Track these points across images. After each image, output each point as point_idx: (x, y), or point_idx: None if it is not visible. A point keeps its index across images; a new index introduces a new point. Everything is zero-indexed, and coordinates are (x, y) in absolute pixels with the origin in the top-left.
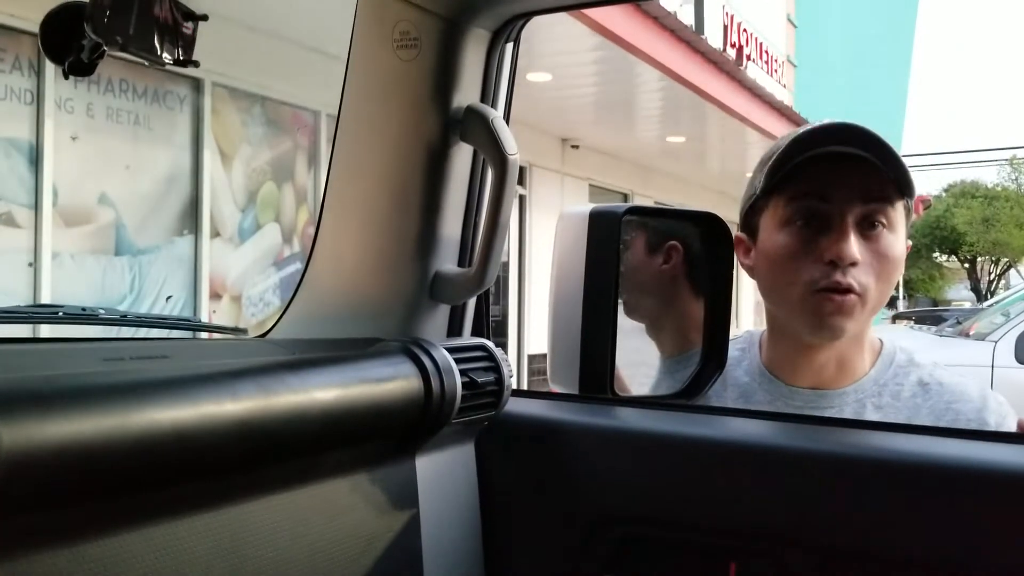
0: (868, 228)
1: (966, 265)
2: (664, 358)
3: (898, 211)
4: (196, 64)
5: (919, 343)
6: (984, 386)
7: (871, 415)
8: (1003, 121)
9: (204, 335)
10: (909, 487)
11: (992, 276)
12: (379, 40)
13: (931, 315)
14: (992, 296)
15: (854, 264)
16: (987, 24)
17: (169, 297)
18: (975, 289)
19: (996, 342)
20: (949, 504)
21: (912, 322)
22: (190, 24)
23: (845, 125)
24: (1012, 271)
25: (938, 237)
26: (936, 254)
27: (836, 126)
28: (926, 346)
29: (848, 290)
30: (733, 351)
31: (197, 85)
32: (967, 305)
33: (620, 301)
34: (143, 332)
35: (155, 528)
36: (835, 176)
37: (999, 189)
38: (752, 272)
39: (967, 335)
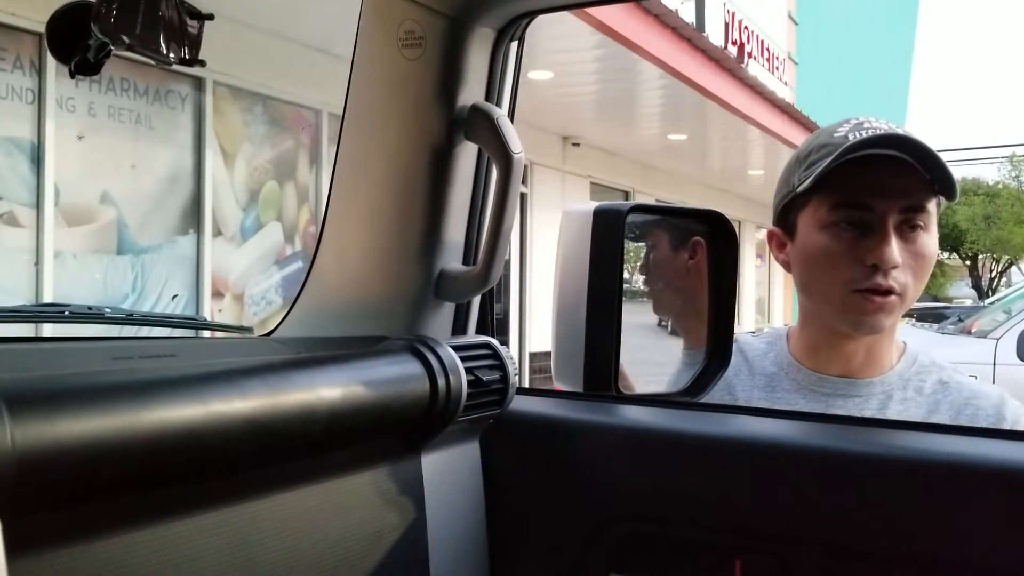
0: (907, 230)
1: (967, 262)
2: (688, 349)
3: (932, 212)
4: (203, 63)
5: (921, 340)
6: (1002, 388)
7: (896, 406)
8: (1003, 118)
9: (209, 334)
10: (915, 484)
11: (993, 274)
12: (384, 39)
13: (933, 312)
14: (993, 293)
15: (895, 267)
16: (988, 22)
17: (175, 296)
18: (976, 286)
19: (998, 339)
20: (955, 501)
21: (914, 319)
22: (196, 23)
23: (890, 135)
24: (1013, 268)
25: (940, 234)
26: (938, 251)
27: (883, 137)
28: (930, 344)
29: (889, 291)
30: (758, 345)
31: (199, 84)
32: (968, 302)
33: (646, 298)
34: (148, 331)
35: (165, 526)
36: (877, 180)
37: (1000, 187)
38: (787, 266)
39: (969, 332)
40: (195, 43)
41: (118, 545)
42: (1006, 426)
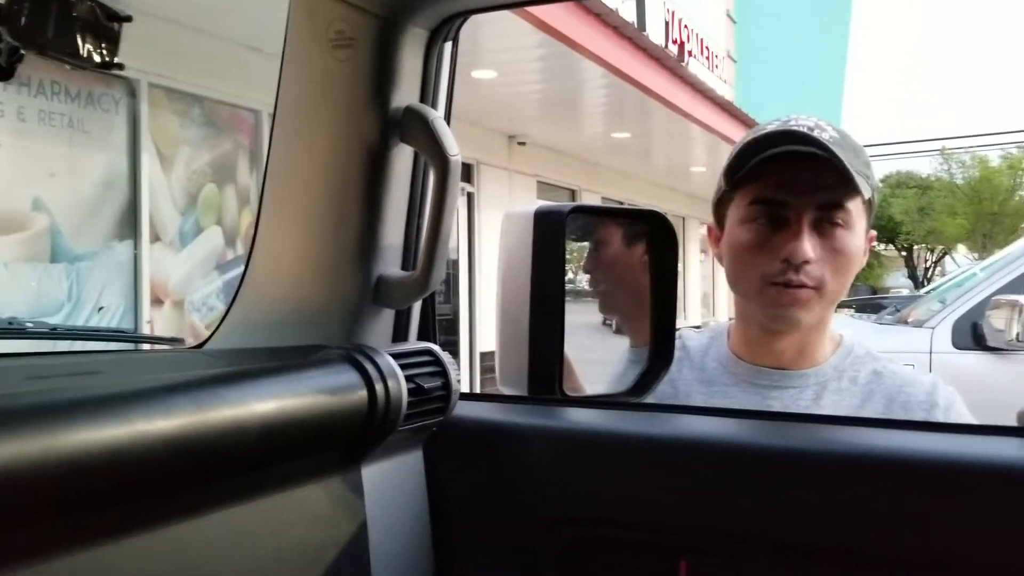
0: (826, 227)
1: (903, 253)
2: (634, 348)
3: (855, 208)
4: (120, 67)
5: (860, 331)
6: (935, 376)
7: (830, 396)
8: (935, 113)
9: (142, 346)
10: (856, 480)
11: (928, 264)
12: (313, 40)
13: (871, 303)
14: (929, 283)
15: (807, 262)
16: (919, 19)
17: (101, 308)
18: (912, 277)
19: (934, 328)
20: (895, 494)
21: (853, 310)
22: (115, 25)
23: (787, 131)
24: (947, 258)
25: (876, 226)
26: (874, 243)
27: (783, 132)
28: (867, 334)
29: (801, 285)
30: (700, 340)
31: (133, 87)
32: (905, 292)
33: (591, 298)
34: (76, 343)
35: (86, 554)
36: (793, 177)
37: (933, 179)
38: (720, 259)
39: (905, 322)
40: (114, 45)
41: (38, 575)
42: (938, 411)
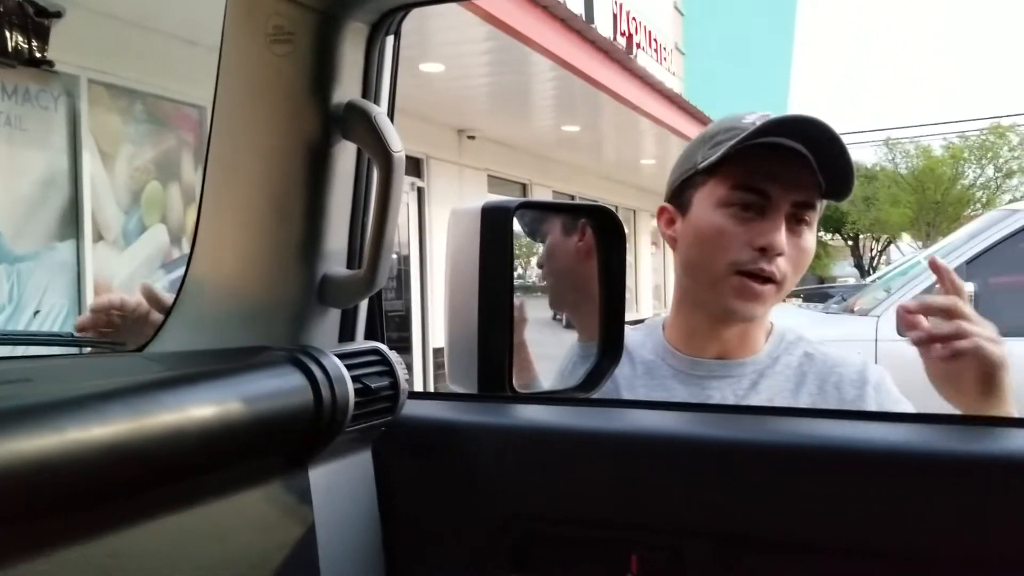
0: (795, 223)
1: (849, 242)
2: (583, 343)
3: (819, 210)
4: (51, 64)
5: (808, 320)
6: (864, 355)
7: (767, 383)
8: (879, 103)
9: (84, 349)
10: (801, 470)
11: (874, 252)
12: (251, 35)
13: (818, 293)
14: (874, 272)
15: (780, 254)
16: (863, 11)
17: (37, 312)
18: (858, 265)
19: (879, 317)
20: (836, 484)
21: (801, 300)
22: (45, 21)
23: (801, 119)
24: (893, 247)
25: (823, 216)
26: (821, 233)
27: (794, 119)
28: (815, 323)
29: (769, 279)
30: (636, 335)
31: (72, 83)
32: (851, 281)
33: (541, 293)
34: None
35: (14, 570)
36: (779, 168)
37: (877, 169)
38: (673, 243)
39: (852, 311)
40: (43, 42)
41: None
42: (869, 387)
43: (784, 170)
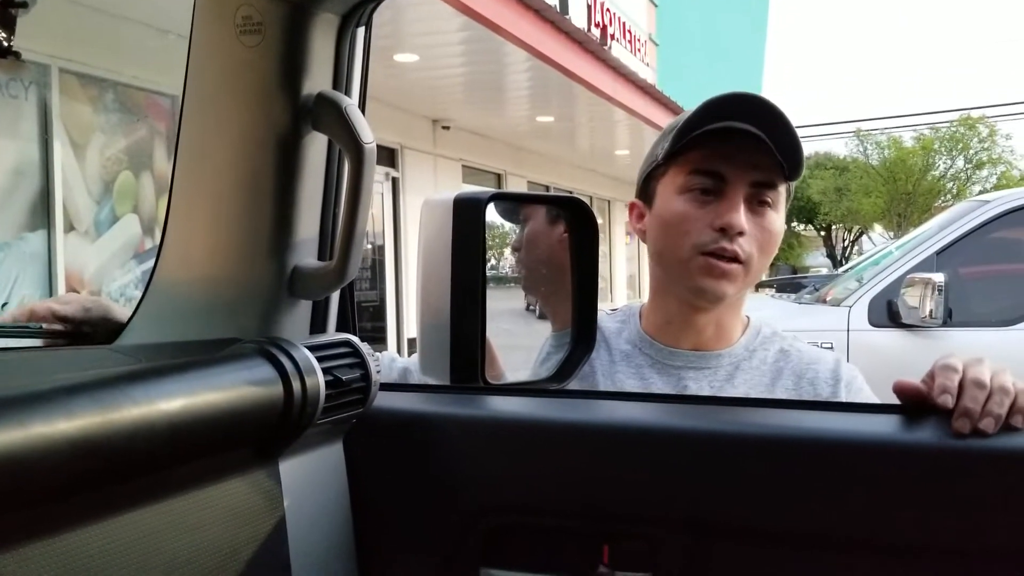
0: (756, 205)
1: (822, 233)
2: (555, 332)
3: (781, 192)
4: (17, 55)
5: (781, 311)
6: (837, 353)
7: (743, 375)
8: (850, 96)
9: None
10: (773, 460)
11: (846, 243)
12: (220, 25)
13: (791, 283)
14: (847, 262)
15: (741, 233)
16: (835, 4)
17: (4, 304)
18: (831, 256)
19: (851, 307)
20: (812, 475)
21: (774, 290)
22: (10, 10)
23: (753, 98)
24: (864, 237)
25: (795, 207)
26: (794, 223)
27: (743, 97)
28: (788, 314)
29: (734, 258)
30: (613, 324)
31: (43, 71)
32: (824, 271)
33: (514, 283)
34: None
35: None
36: (733, 152)
37: (849, 160)
38: (643, 236)
39: (824, 301)
40: (9, 31)
41: None
42: (842, 385)
43: (738, 152)
